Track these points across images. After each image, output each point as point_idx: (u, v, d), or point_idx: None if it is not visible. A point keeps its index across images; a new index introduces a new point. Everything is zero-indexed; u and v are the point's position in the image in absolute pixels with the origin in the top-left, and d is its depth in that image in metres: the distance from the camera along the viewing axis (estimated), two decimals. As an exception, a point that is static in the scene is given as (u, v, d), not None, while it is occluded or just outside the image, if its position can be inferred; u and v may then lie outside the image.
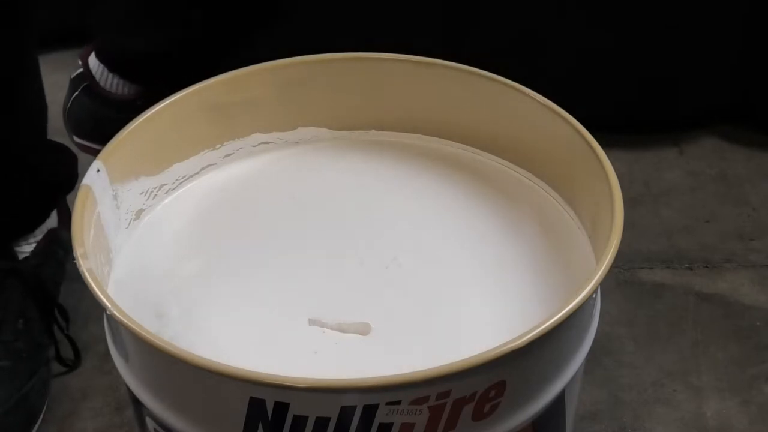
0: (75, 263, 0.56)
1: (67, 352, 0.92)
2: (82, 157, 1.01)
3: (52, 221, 0.96)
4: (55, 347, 0.91)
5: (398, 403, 0.50)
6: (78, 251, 0.56)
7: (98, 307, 0.54)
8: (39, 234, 0.94)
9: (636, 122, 1.22)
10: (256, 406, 0.51)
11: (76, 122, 1.13)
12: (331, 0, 1.17)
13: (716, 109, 1.22)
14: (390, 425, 0.51)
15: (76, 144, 1.12)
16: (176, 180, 0.70)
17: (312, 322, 0.60)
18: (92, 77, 1.11)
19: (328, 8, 1.17)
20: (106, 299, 0.53)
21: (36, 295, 0.89)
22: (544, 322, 0.51)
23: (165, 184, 0.69)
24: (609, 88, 1.20)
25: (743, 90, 1.20)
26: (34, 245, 0.93)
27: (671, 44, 1.17)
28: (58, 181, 0.94)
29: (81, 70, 1.13)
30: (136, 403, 0.58)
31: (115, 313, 0.52)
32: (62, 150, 0.96)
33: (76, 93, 1.13)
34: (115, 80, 1.11)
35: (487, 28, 1.17)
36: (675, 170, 1.17)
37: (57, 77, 1.07)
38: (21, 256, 0.92)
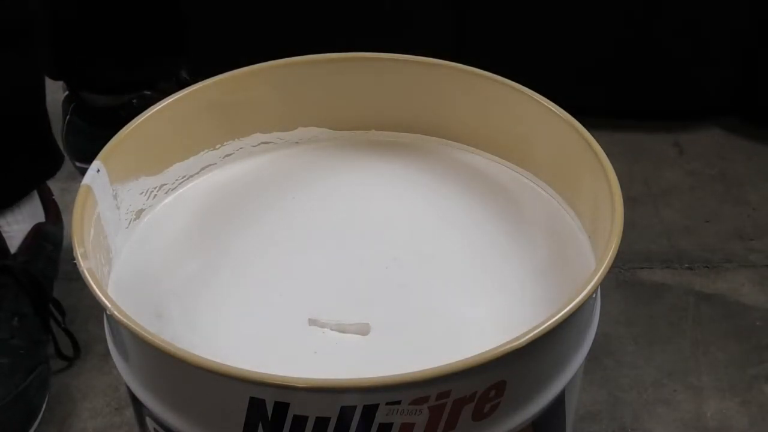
0: (75, 263, 0.56)
1: (67, 349, 0.92)
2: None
3: (40, 216, 0.96)
4: (54, 343, 0.91)
5: (398, 403, 0.50)
6: (78, 251, 0.56)
7: (98, 307, 0.54)
8: (23, 222, 0.94)
9: (637, 117, 1.22)
10: (256, 406, 0.51)
11: (73, 147, 1.13)
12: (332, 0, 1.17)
13: (717, 110, 1.22)
14: (390, 425, 0.51)
15: (78, 168, 1.12)
16: (176, 180, 0.70)
17: (312, 322, 0.60)
18: (78, 96, 1.12)
19: (328, 7, 1.17)
20: (106, 299, 0.53)
21: (29, 291, 0.89)
22: (544, 322, 0.51)
23: (165, 184, 0.69)
24: (610, 88, 1.20)
25: (744, 90, 1.20)
26: (20, 237, 0.92)
27: (674, 41, 1.17)
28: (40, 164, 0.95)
29: (67, 91, 1.13)
30: (136, 403, 0.58)
31: (115, 313, 0.52)
32: (48, 137, 0.97)
33: (68, 116, 1.13)
34: (92, 95, 1.12)
35: (488, 28, 1.17)
36: (675, 170, 1.17)
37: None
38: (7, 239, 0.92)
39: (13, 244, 0.92)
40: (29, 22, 0.89)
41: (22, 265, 0.90)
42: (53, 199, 0.99)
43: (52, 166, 0.96)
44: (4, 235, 0.91)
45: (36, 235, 0.93)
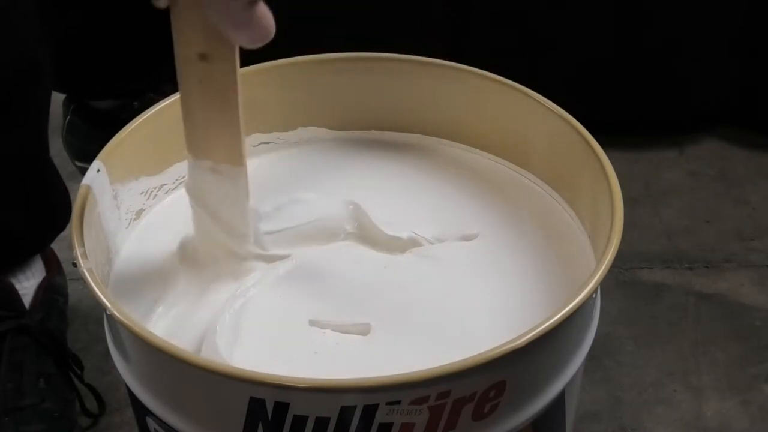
0: (75, 263, 0.56)
1: (90, 403, 0.89)
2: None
3: (41, 271, 0.94)
4: (79, 400, 0.88)
5: (398, 403, 0.50)
6: (78, 251, 0.56)
7: (98, 307, 0.54)
8: (33, 278, 0.92)
9: (637, 123, 1.22)
10: (256, 406, 0.51)
11: (74, 146, 1.13)
12: None
13: (717, 110, 1.22)
14: (390, 425, 0.51)
15: (78, 168, 1.12)
16: (176, 180, 0.70)
17: (312, 322, 0.59)
18: (78, 98, 1.12)
19: (329, 8, 1.17)
20: (106, 299, 0.53)
21: (49, 349, 0.86)
22: (544, 322, 0.51)
23: (165, 184, 0.69)
24: (610, 88, 1.20)
25: (744, 90, 1.20)
26: (31, 294, 0.91)
27: (672, 45, 1.17)
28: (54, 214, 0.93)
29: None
30: (136, 403, 0.58)
31: (115, 313, 0.52)
32: (59, 185, 0.95)
33: (69, 117, 1.13)
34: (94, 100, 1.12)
35: (487, 28, 1.17)
36: (675, 170, 1.17)
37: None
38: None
39: (27, 301, 0.90)
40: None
41: (39, 322, 0.88)
42: (52, 250, 0.96)
43: (65, 216, 0.93)
44: (19, 292, 0.89)
45: (47, 289, 0.92)
